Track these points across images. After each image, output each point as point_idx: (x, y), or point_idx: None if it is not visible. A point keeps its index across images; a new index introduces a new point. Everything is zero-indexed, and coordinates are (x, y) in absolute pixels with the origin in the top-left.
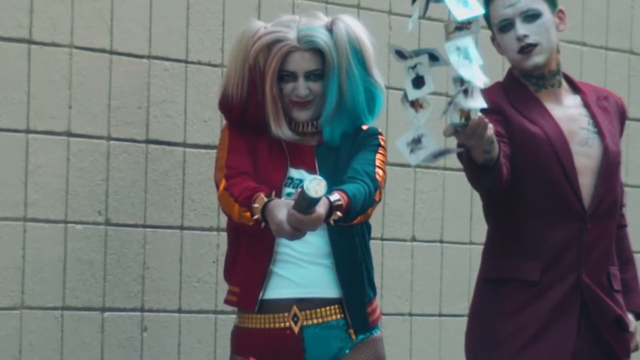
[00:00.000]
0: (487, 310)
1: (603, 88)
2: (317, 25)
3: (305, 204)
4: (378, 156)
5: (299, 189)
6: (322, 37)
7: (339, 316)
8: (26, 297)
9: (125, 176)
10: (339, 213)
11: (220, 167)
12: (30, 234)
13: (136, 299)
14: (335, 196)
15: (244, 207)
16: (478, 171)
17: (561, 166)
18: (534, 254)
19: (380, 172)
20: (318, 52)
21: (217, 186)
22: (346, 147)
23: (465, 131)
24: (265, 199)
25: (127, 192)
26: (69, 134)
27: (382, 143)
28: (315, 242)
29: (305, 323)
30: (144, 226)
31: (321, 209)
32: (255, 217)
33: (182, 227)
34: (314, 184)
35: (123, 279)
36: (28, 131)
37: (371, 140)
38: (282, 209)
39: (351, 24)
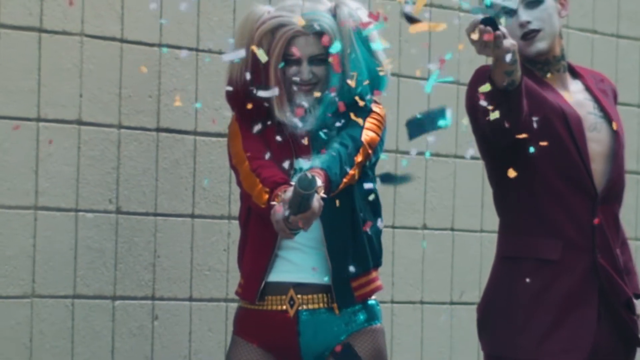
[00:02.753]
0: (506, 288)
1: (596, 71)
2: (320, 10)
3: (299, 203)
4: (368, 119)
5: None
6: (325, 21)
7: (326, 305)
8: (37, 285)
9: (136, 164)
10: (323, 194)
11: (236, 153)
12: (41, 222)
13: (147, 287)
14: (318, 181)
15: (267, 188)
16: (499, 95)
17: (577, 149)
18: (552, 233)
19: (370, 133)
20: (322, 35)
21: (236, 170)
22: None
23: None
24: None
25: (138, 181)
26: (80, 122)
27: (377, 109)
28: (314, 228)
29: (300, 307)
30: (155, 214)
31: (315, 202)
32: (273, 202)
33: (193, 216)
34: (304, 183)
35: (134, 268)
36: (39, 119)
37: (364, 109)
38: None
39: (354, 7)
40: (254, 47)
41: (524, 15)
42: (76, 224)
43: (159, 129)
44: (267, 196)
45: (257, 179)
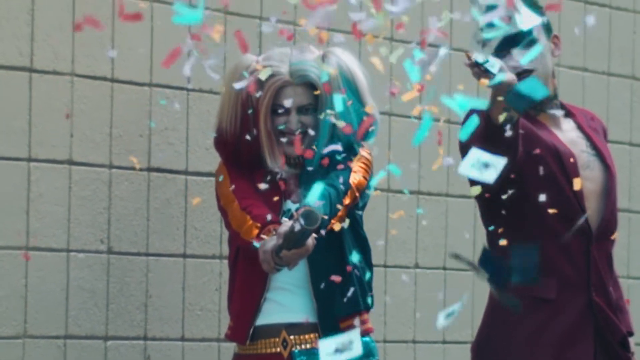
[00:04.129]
0: (501, 328)
1: (586, 109)
2: (309, 59)
3: (297, 237)
4: (357, 163)
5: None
6: (314, 71)
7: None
8: (29, 325)
9: (127, 204)
10: (322, 233)
11: (225, 194)
12: (32, 262)
13: (139, 328)
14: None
15: (258, 224)
16: (497, 132)
17: (571, 187)
18: (548, 272)
19: (358, 176)
20: (310, 85)
21: (225, 212)
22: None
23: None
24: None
25: (130, 221)
26: (71, 162)
27: (364, 153)
28: (300, 268)
29: (294, 348)
30: (147, 254)
31: (309, 240)
32: (263, 236)
33: (184, 255)
34: (310, 217)
35: (126, 308)
36: (30, 159)
37: (352, 152)
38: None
39: (343, 57)
40: (258, 66)
41: (518, 55)
42: (68, 264)
43: (150, 169)
44: (257, 231)
45: (247, 216)
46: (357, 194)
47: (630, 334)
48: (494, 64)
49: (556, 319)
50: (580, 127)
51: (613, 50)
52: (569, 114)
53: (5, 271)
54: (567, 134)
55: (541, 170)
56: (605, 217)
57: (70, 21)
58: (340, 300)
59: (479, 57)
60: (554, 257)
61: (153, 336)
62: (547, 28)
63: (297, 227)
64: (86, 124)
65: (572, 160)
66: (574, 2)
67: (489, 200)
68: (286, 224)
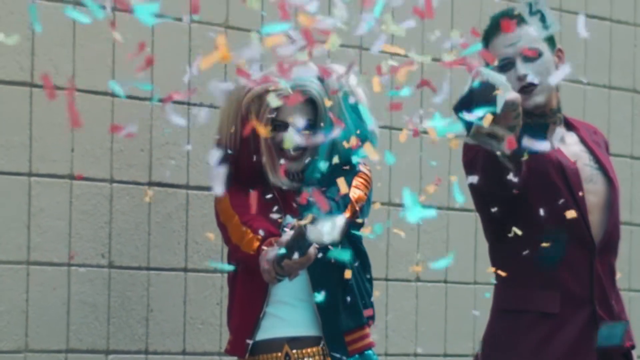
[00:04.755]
0: (504, 342)
1: (588, 123)
2: (309, 75)
3: (301, 244)
4: (356, 178)
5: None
6: (314, 87)
7: (322, 358)
8: (30, 340)
9: (128, 219)
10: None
11: (224, 210)
12: (33, 277)
13: (140, 342)
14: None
15: (259, 237)
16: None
17: (575, 201)
18: (551, 286)
19: (357, 191)
20: (310, 101)
21: (224, 227)
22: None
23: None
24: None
25: (131, 235)
26: (72, 177)
27: (364, 169)
28: (301, 281)
29: None
30: (148, 268)
31: (311, 249)
32: (264, 247)
33: (185, 269)
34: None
35: (127, 322)
36: (30, 174)
37: (352, 168)
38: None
39: (342, 73)
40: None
41: (522, 68)
42: (69, 279)
43: (151, 183)
44: (257, 243)
45: (248, 229)
46: (357, 208)
47: (633, 347)
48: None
49: (560, 332)
50: (583, 141)
51: (614, 63)
52: (571, 127)
53: (6, 285)
54: (570, 147)
55: (545, 184)
56: (609, 230)
57: (71, 36)
58: (345, 314)
59: (484, 74)
60: (558, 271)
61: (154, 350)
62: (551, 41)
63: (302, 230)
64: (87, 138)
65: (575, 174)
66: (576, 15)
67: (491, 213)
68: (288, 234)
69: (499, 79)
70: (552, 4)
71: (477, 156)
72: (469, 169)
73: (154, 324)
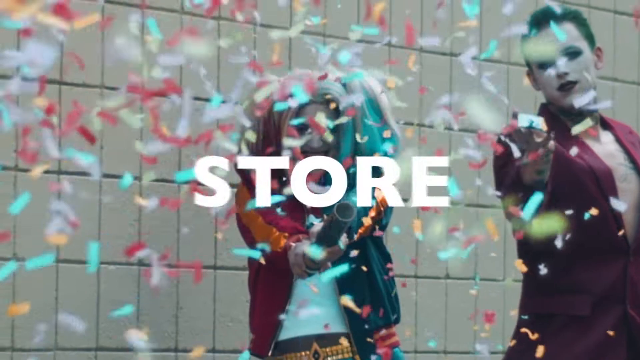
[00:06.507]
0: (533, 344)
1: (623, 123)
2: (330, 79)
3: (336, 230)
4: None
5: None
6: (336, 90)
7: (350, 354)
8: (60, 337)
9: (157, 216)
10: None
11: (247, 213)
12: (62, 275)
13: (170, 339)
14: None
15: (286, 234)
16: (524, 189)
17: (608, 203)
18: (582, 290)
19: (382, 193)
20: (330, 104)
21: (246, 229)
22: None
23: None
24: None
25: (160, 232)
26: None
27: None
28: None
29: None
30: (177, 266)
31: (342, 238)
32: (291, 243)
33: (215, 267)
34: (346, 210)
35: (157, 320)
36: (60, 172)
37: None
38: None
39: (365, 77)
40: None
41: (563, 66)
42: (98, 277)
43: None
44: (285, 240)
45: (273, 228)
46: (382, 209)
47: None
48: (538, 123)
49: (590, 332)
50: (618, 140)
51: None
52: (607, 126)
53: (36, 284)
54: (606, 146)
55: (577, 190)
56: None
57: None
58: (372, 313)
59: (523, 119)
60: (591, 275)
61: (184, 348)
62: (590, 40)
63: (326, 223)
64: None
65: (608, 175)
66: (604, 12)
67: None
68: (318, 225)
69: (537, 121)
70: (580, 2)
71: (506, 171)
72: (497, 177)
73: (183, 322)
